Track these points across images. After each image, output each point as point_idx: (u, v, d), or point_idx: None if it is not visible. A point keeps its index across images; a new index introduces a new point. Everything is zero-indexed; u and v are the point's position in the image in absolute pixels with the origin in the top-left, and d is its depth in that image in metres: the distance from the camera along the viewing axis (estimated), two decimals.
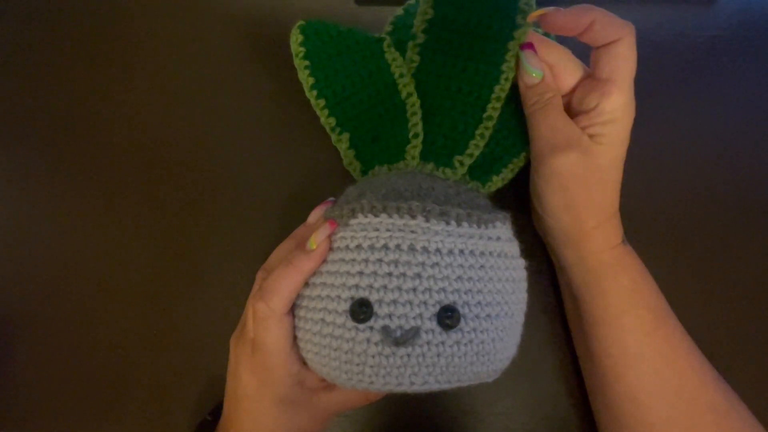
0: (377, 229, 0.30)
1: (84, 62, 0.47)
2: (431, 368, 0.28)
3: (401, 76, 0.37)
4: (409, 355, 0.28)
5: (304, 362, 0.33)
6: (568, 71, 0.35)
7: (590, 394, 0.39)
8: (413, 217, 0.30)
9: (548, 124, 0.34)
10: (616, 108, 0.33)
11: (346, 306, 0.29)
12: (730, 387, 0.35)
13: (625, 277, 0.35)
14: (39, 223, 0.45)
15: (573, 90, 0.35)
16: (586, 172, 0.33)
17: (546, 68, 0.34)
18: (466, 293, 0.29)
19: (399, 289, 0.28)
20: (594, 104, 0.33)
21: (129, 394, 0.42)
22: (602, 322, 0.35)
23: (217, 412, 0.39)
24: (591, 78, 0.34)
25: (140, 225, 0.45)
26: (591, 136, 0.33)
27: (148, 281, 0.44)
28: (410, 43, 0.36)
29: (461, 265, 0.29)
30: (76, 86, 0.47)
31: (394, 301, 0.28)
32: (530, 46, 0.34)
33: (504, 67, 0.35)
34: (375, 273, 0.29)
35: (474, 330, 0.29)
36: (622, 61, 0.32)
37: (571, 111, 0.35)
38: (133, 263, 0.44)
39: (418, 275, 0.29)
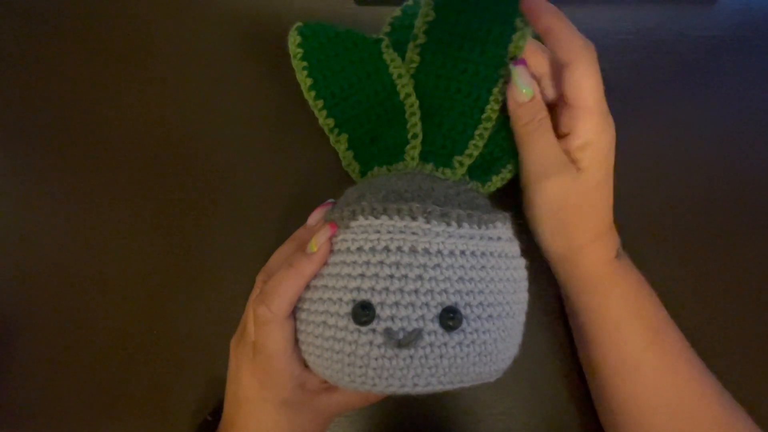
0: (378, 231, 0.30)
1: (84, 62, 0.47)
2: (434, 369, 0.28)
3: (400, 76, 0.36)
4: (411, 357, 0.28)
5: (305, 364, 0.33)
6: (550, 85, 0.35)
7: (594, 401, 0.39)
8: (414, 218, 0.30)
9: (539, 149, 0.33)
10: (587, 131, 0.32)
11: (348, 308, 0.29)
12: (734, 401, 0.34)
13: (619, 290, 0.35)
14: (39, 222, 0.45)
15: (555, 105, 0.35)
16: (578, 196, 0.33)
17: (536, 87, 0.33)
18: (467, 294, 0.29)
19: (401, 291, 0.28)
20: (569, 129, 0.33)
21: (129, 394, 0.42)
22: (599, 334, 0.35)
23: (217, 412, 0.39)
24: (565, 102, 0.34)
25: (140, 225, 0.44)
26: (572, 162, 0.33)
27: (148, 281, 0.44)
28: (411, 44, 0.36)
29: (462, 266, 0.29)
30: (77, 86, 0.47)
31: (396, 303, 0.28)
32: (523, 62, 0.33)
33: (503, 70, 0.35)
34: (376, 275, 0.29)
35: (476, 330, 0.29)
36: (581, 87, 0.32)
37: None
38: (133, 263, 0.44)
39: (420, 277, 0.28)
